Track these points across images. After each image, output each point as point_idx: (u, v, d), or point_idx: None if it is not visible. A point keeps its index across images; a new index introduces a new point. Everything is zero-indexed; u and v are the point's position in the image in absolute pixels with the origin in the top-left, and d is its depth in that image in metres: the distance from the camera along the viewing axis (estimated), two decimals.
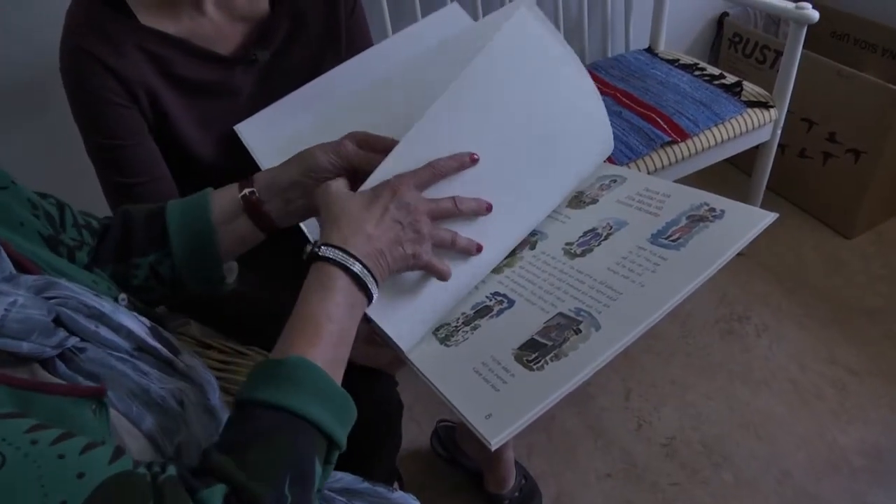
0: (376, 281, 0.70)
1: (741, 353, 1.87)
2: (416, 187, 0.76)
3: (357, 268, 0.68)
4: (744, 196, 2.02)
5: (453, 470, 1.64)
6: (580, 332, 0.74)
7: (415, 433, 1.71)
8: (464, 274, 0.84)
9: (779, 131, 1.83)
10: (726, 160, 1.81)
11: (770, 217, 0.79)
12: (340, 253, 0.68)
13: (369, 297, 0.70)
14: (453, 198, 0.78)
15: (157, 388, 0.63)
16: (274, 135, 1.07)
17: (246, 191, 0.79)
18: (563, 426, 1.71)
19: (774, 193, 2.34)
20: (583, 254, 0.85)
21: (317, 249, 0.68)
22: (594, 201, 0.93)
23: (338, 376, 0.64)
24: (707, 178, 1.89)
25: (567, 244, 0.88)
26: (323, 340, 0.63)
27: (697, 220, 0.82)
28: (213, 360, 0.86)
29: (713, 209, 0.83)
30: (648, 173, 1.57)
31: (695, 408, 1.74)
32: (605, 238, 0.86)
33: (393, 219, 0.72)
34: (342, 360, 0.66)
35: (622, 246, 0.83)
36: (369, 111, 1.05)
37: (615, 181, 0.96)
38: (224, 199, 0.80)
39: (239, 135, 1.07)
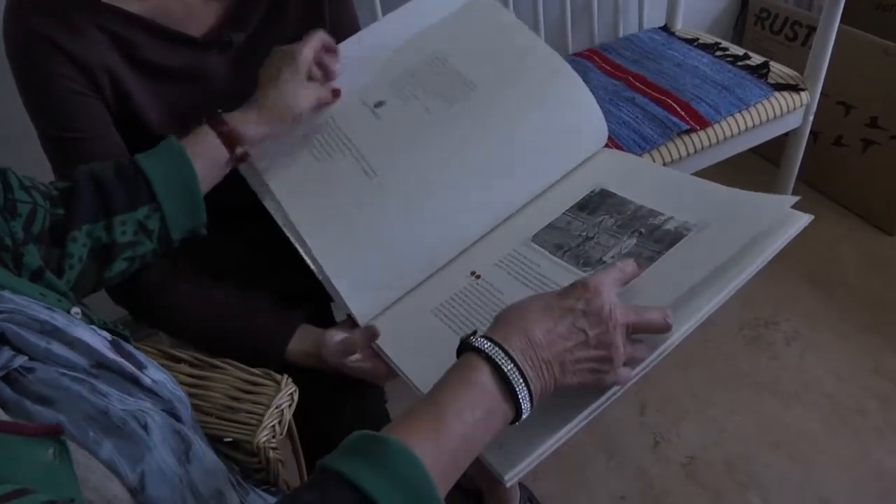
0: (531, 394, 0.66)
1: (769, 362, 1.89)
2: (617, 287, 0.73)
3: (508, 367, 0.65)
4: (771, 189, 2.04)
5: (451, 491, 1.65)
6: None
7: None
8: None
9: (811, 117, 1.84)
10: (752, 150, 1.82)
11: (806, 220, 0.82)
12: (494, 346, 0.66)
13: (517, 413, 0.66)
14: (663, 311, 0.73)
15: (118, 409, 0.61)
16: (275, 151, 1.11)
17: (238, 150, 0.96)
18: (571, 444, 1.72)
19: (807, 186, 2.36)
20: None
21: (472, 338, 0.67)
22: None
23: (442, 485, 0.60)
24: (730, 170, 1.91)
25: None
26: (440, 436, 0.60)
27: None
28: (184, 374, 0.88)
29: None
30: (664, 164, 1.59)
31: (717, 423, 1.76)
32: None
33: (576, 326, 0.69)
34: (454, 470, 0.63)
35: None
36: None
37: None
38: (197, 145, 0.94)
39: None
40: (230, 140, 0.95)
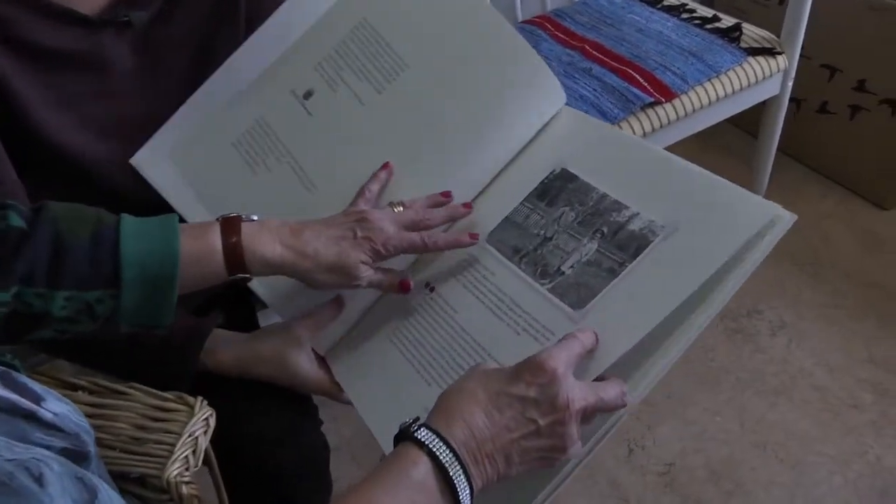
0: (471, 487, 0.67)
1: (753, 355, 1.92)
2: (575, 364, 0.74)
3: (452, 466, 0.66)
4: (751, 162, 2.07)
5: None
6: None
7: (354, 474, 1.73)
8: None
9: (790, 83, 1.87)
10: (727, 121, 1.85)
11: (789, 220, 0.83)
12: (436, 439, 0.67)
13: None
14: (620, 386, 0.76)
15: (3, 461, 0.57)
16: (183, 164, 1.09)
17: (239, 276, 0.86)
18: None
19: (790, 157, 2.39)
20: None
21: (413, 427, 0.68)
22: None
23: None
24: (703, 143, 1.94)
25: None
26: None
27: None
28: (83, 404, 0.88)
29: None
30: None
31: (698, 426, 1.79)
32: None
33: (526, 416, 0.70)
34: None
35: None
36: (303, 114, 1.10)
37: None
38: (197, 245, 0.84)
39: (138, 169, 1.08)
40: (236, 255, 0.86)
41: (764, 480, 1.67)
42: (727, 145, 2.40)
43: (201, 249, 0.84)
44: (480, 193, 1.03)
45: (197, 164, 1.09)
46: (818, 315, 2.00)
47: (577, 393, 0.71)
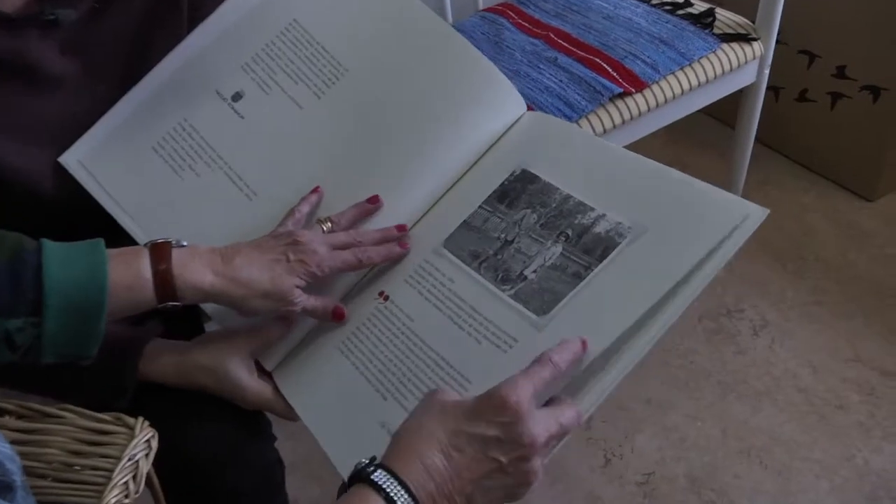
0: None
1: (734, 357, 1.93)
2: (536, 397, 0.74)
3: (403, 500, 0.66)
4: (727, 154, 2.07)
5: None
6: None
7: (313, 493, 1.73)
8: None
9: (766, 70, 1.87)
10: (702, 111, 1.85)
11: (761, 215, 0.82)
12: (392, 481, 0.67)
13: None
14: (577, 410, 0.76)
15: None
16: (118, 166, 1.08)
17: (170, 305, 0.87)
18: None
19: (768, 148, 2.41)
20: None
21: (369, 468, 0.68)
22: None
23: None
24: (677, 135, 1.95)
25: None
26: None
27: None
28: (10, 429, 0.86)
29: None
30: (596, 135, 1.60)
31: (678, 432, 1.79)
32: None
33: (488, 455, 0.70)
34: None
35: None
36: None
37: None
38: (126, 273, 0.84)
39: (67, 168, 1.07)
40: (166, 283, 0.87)
41: (748, 488, 1.67)
42: (702, 137, 2.41)
43: (130, 277, 0.85)
44: (436, 202, 1.03)
45: (113, 171, 1.07)
46: (802, 313, 2.01)
47: (541, 427, 0.71)
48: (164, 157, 1.07)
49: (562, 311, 0.84)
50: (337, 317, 0.98)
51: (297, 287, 0.92)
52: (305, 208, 1.01)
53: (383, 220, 1.01)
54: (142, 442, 0.87)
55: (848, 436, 1.75)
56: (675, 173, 0.90)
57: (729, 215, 0.82)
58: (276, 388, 0.99)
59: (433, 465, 0.68)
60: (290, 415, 0.99)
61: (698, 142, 2.43)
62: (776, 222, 2.20)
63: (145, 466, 0.87)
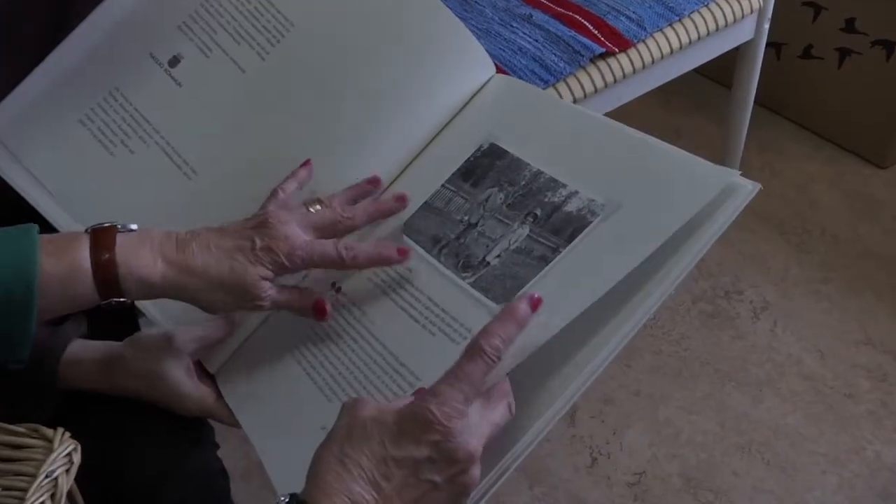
0: None
1: (733, 343, 1.93)
2: (471, 402, 0.71)
3: None
4: (724, 119, 2.07)
5: None
6: None
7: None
8: None
9: (766, 25, 1.87)
10: (696, 70, 1.84)
11: (752, 189, 0.81)
12: None
13: None
14: (509, 404, 0.74)
15: None
16: (38, 142, 1.06)
17: (114, 301, 0.83)
18: None
19: (770, 111, 2.40)
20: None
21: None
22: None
23: None
24: (669, 97, 1.94)
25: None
26: None
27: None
28: None
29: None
30: (576, 101, 1.58)
31: (671, 427, 1.79)
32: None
33: (421, 478, 0.68)
34: None
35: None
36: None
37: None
38: (60, 264, 0.80)
39: None
40: (108, 275, 0.82)
41: (748, 487, 1.68)
42: (696, 100, 2.40)
43: (65, 269, 0.80)
44: (395, 178, 1.02)
45: (35, 148, 1.05)
46: (806, 292, 2.01)
47: (476, 437, 0.69)
48: (93, 132, 1.05)
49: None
50: (319, 312, 0.91)
51: (265, 279, 0.86)
52: (291, 186, 0.96)
53: None
54: (61, 456, 0.85)
55: (858, 427, 1.76)
56: (657, 143, 0.89)
57: (711, 184, 0.80)
58: (219, 393, 0.98)
59: (361, 499, 0.67)
60: (235, 421, 0.97)
61: (692, 105, 2.42)
62: (778, 192, 2.20)
63: (66, 484, 0.85)
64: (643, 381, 1.87)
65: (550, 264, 0.84)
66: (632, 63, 1.64)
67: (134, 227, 0.85)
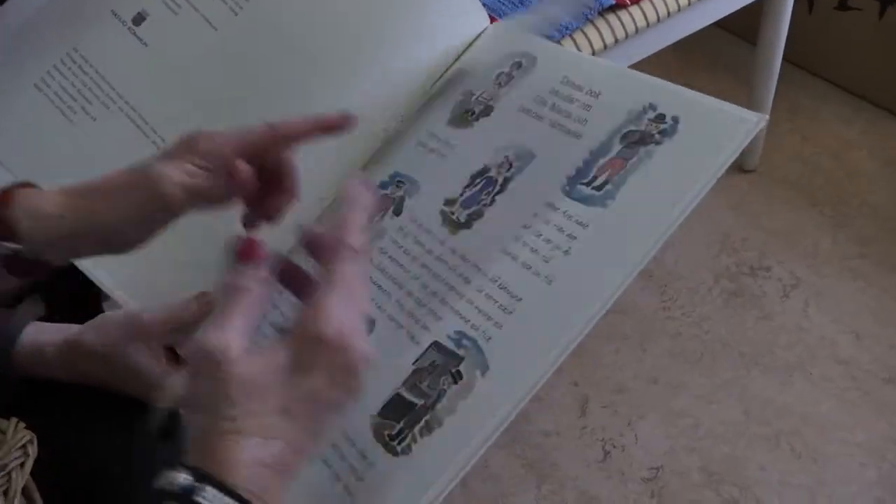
0: None
1: (758, 324, 1.94)
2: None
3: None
4: (749, 78, 2.07)
5: None
6: (460, 377, 0.76)
7: None
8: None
9: None
10: (718, 25, 1.84)
11: (755, 121, 0.78)
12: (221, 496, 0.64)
13: None
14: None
15: None
16: None
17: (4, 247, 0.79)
18: (487, 467, 1.75)
19: (801, 69, 2.40)
20: (468, 222, 0.87)
21: (189, 485, 0.63)
22: (486, 111, 0.95)
23: None
24: (687, 57, 1.93)
25: (447, 203, 0.90)
26: None
27: (636, 141, 0.83)
28: None
29: (661, 116, 0.83)
30: None
31: (691, 417, 1.80)
32: (501, 188, 0.88)
33: (321, 402, 0.67)
34: None
35: (525, 203, 0.85)
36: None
37: (521, 65, 0.98)
38: None
39: None
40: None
41: (776, 481, 1.69)
42: (718, 58, 2.40)
43: None
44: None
45: None
46: (841, 269, 2.01)
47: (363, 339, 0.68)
48: (50, 97, 1.06)
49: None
50: (236, 178, 0.79)
51: (168, 167, 0.78)
52: None
53: (317, 168, 0.99)
54: (15, 448, 0.87)
55: None
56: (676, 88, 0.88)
57: (724, 121, 0.80)
58: None
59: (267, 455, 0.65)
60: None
61: (713, 64, 2.42)
62: (810, 159, 2.21)
63: (20, 479, 0.86)
64: (660, 367, 1.88)
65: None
66: (645, 16, 1.64)
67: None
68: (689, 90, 0.84)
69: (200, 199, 0.80)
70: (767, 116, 0.78)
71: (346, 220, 0.72)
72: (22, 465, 0.87)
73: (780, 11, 1.93)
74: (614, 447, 1.77)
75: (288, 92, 1.03)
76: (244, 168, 0.78)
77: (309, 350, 0.67)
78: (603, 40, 1.61)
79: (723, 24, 1.91)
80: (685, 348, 1.91)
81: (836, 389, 1.81)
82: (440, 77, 1.04)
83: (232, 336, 0.67)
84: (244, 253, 0.74)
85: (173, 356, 0.99)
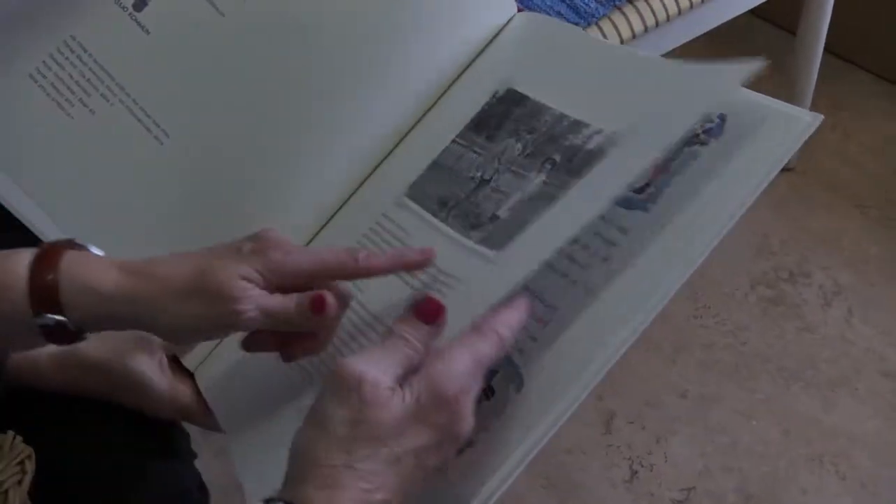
0: None
1: (798, 336, 1.94)
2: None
3: None
4: (788, 70, 2.08)
5: None
6: (492, 393, 0.78)
7: None
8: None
9: None
10: (753, 13, 1.84)
11: (809, 121, 0.78)
12: None
13: None
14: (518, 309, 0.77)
15: None
16: None
17: (50, 318, 0.77)
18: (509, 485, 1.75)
19: (844, 61, 2.40)
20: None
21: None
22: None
23: None
24: (720, 47, 1.92)
25: None
26: None
27: (680, 144, 0.83)
28: None
29: (706, 116, 0.82)
30: None
31: (726, 435, 1.80)
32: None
33: (423, 464, 0.71)
34: None
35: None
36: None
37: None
38: None
39: None
40: (43, 280, 0.78)
41: None
42: (754, 48, 2.36)
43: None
44: (402, 138, 1.04)
45: None
46: (888, 275, 2.01)
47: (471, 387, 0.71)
48: (46, 89, 1.05)
49: (520, 237, 0.83)
50: (317, 307, 0.81)
51: (244, 278, 0.79)
52: None
53: (330, 168, 1.02)
54: (12, 464, 0.88)
55: None
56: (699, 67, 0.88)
57: (777, 121, 0.80)
58: (196, 391, 0.99)
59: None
60: (214, 425, 0.98)
61: (748, 54, 2.37)
62: (854, 157, 2.21)
63: (17, 497, 0.87)
64: (692, 379, 1.88)
65: (557, 201, 0.84)
66: (677, 3, 1.65)
67: (97, 251, 0.83)
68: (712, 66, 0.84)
69: (276, 325, 0.82)
70: (822, 116, 0.77)
71: (504, 311, 0.75)
72: (20, 482, 0.88)
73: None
74: (642, 466, 1.78)
75: (301, 83, 1.03)
76: (332, 303, 0.80)
77: (429, 404, 0.70)
78: (631, 28, 1.62)
79: (760, 13, 1.92)
80: (719, 359, 1.91)
81: (884, 407, 1.81)
82: (465, 69, 1.04)
83: (384, 378, 0.69)
84: (425, 311, 0.77)
85: (178, 366, 1.00)
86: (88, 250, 0.81)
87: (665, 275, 0.76)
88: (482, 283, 0.82)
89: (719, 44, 1.89)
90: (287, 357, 0.86)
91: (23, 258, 0.77)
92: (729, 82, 0.81)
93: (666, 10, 1.64)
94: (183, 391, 0.98)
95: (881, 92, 2.37)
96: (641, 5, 1.62)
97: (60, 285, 0.76)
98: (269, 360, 0.92)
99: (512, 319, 0.75)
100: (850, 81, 2.38)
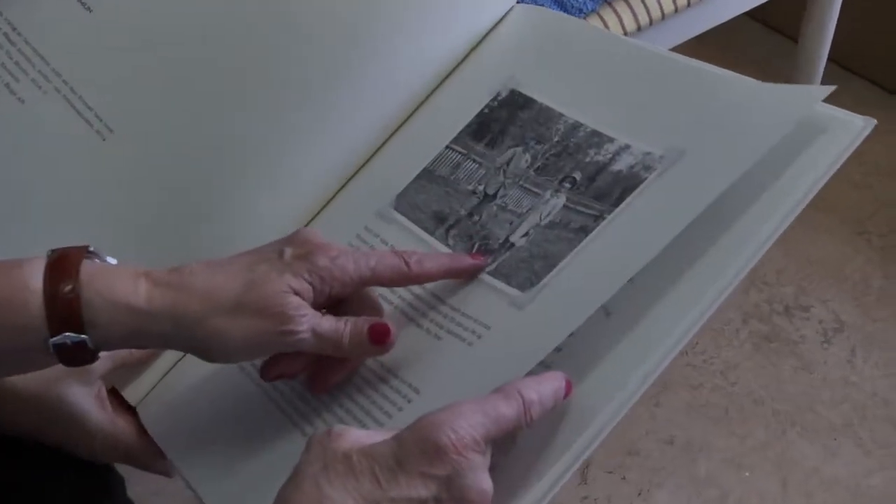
0: None
1: (796, 375, 1.96)
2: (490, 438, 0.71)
3: None
4: (788, 77, 2.09)
5: None
6: None
7: None
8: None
9: None
10: (750, 16, 1.86)
11: (861, 125, 0.81)
12: None
13: None
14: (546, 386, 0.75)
15: None
16: None
17: (69, 337, 0.75)
18: None
19: (847, 71, 2.44)
20: None
21: None
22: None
23: None
24: (716, 51, 1.95)
25: None
26: None
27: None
28: None
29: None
30: None
31: (715, 486, 1.81)
32: None
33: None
34: None
35: None
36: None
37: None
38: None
39: None
40: (64, 305, 0.77)
41: None
42: (751, 53, 2.42)
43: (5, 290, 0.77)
44: (387, 138, 1.03)
45: None
46: (894, 311, 2.03)
47: (489, 479, 0.71)
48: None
49: (554, 278, 0.83)
50: (377, 339, 0.81)
51: (297, 294, 0.79)
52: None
53: (306, 170, 1.01)
54: None
55: None
56: (725, 73, 0.90)
57: (790, 112, 0.80)
58: (140, 429, 0.97)
59: None
60: (160, 467, 0.97)
61: (745, 59, 2.45)
62: (856, 178, 2.23)
63: None
64: (678, 424, 1.89)
65: (591, 234, 0.83)
66: (674, 2, 1.67)
67: (112, 259, 0.82)
68: (778, 85, 0.84)
69: (320, 350, 0.82)
70: (875, 121, 0.79)
71: (537, 383, 0.74)
72: None
73: (823, 5, 1.97)
74: None
75: (268, 73, 1.01)
76: (395, 332, 0.82)
77: (415, 449, 0.69)
78: (623, 27, 1.63)
79: (760, 17, 1.95)
80: (708, 403, 1.92)
81: (891, 458, 1.83)
82: (459, 63, 1.05)
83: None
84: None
85: (118, 400, 0.98)
86: (104, 259, 0.81)
87: (693, 297, 0.76)
88: (505, 334, 0.82)
89: (717, 48, 1.94)
90: (317, 388, 0.86)
91: (35, 269, 0.76)
92: (804, 106, 0.81)
93: (661, 8, 1.65)
94: (124, 429, 0.96)
95: (886, 105, 2.44)
96: (633, 2, 1.64)
97: (83, 299, 0.76)
98: (226, 387, 0.93)
99: (544, 389, 0.74)
100: (853, 92, 2.36)
